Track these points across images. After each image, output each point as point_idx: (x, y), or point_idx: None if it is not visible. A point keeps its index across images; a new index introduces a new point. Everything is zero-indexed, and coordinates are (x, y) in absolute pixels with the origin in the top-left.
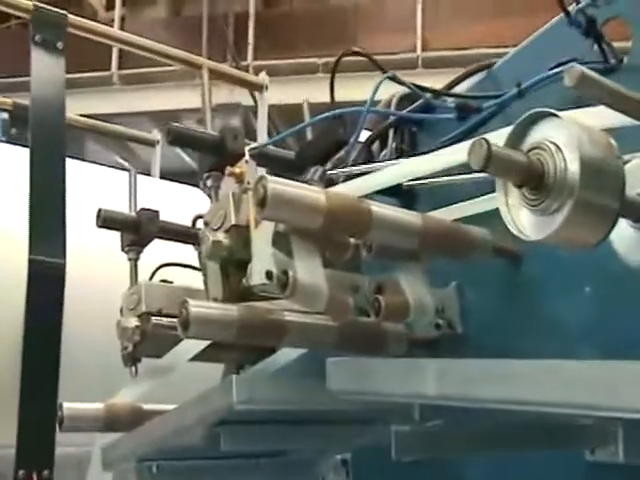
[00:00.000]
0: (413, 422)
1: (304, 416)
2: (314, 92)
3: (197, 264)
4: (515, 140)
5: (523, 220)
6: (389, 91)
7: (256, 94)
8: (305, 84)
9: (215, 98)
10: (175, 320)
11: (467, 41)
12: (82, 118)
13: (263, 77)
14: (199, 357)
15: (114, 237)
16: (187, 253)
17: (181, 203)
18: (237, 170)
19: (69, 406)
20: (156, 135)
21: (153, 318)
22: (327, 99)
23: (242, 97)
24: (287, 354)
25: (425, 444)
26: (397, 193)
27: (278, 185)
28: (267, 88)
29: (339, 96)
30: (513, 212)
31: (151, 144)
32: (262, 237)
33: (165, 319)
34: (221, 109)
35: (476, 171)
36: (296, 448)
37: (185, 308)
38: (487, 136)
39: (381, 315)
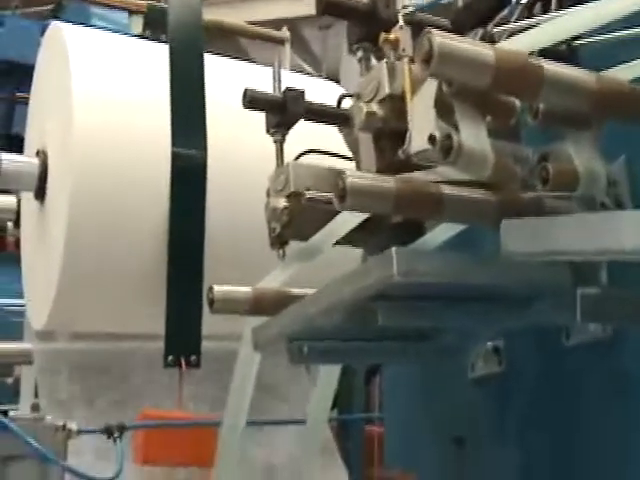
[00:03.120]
0: (599, 286)
1: (462, 293)
2: None
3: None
4: None
5: None
6: None
7: None
8: None
9: None
10: (328, 194)
11: None
12: (213, 19)
13: None
14: (344, 241)
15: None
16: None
17: (317, 96)
18: (392, 37)
19: (219, 289)
20: (285, 33)
21: (306, 192)
22: None
23: None
24: (441, 233)
25: (613, 308)
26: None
27: (445, 39)
28: None
29: None
30: None
31: (281, 42)
32: (423, 101)
33: (318, 193)
34: None
35: None
36: (451, 326)
37: (342, 179)
38: None
39: (548, 185)
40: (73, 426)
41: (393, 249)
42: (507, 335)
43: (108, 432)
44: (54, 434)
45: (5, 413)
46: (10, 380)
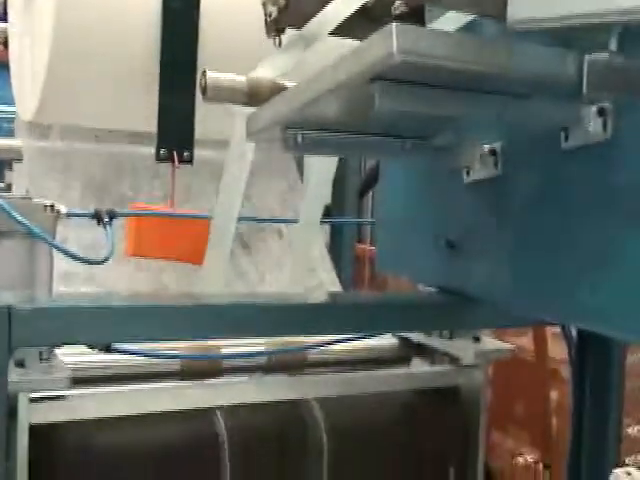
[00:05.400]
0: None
1: (463, 80)
2: None
3: None
4: None
5: None
6: None
7: None
8: None
9: None
10: None
11: None
12: None
13: None
14: (341, 30)
15: None
16: None
17: None
18: None
19: (212, 75)
20: None
21: None
22: None
23: None
24: (443, 25)
25: (620, 78)
26: None
27: None
28: None
29: None
30: None
31: None
32: None
33: None
34: None
35: None
36: (448, 119)
37: None
38: None
39: None
40: (62, 208)
41: (393, 25)
42: (505, 137)
43: (97, 217)
44: (43, 213)
45: None
46: (2, 185)
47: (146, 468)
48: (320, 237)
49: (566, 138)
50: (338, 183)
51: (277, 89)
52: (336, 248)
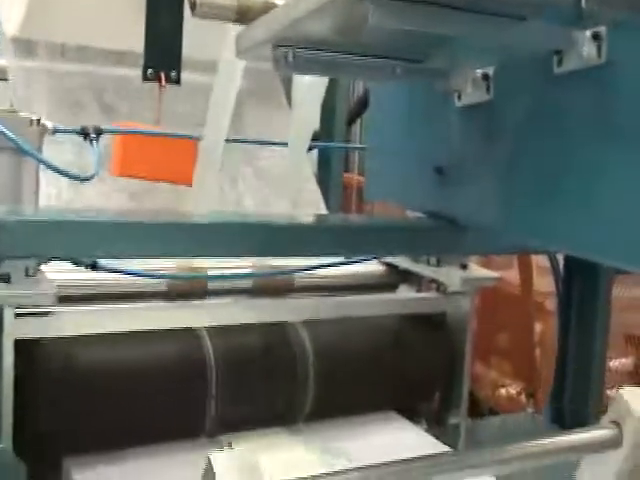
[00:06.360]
0: None
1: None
2: None
3: None
4: None
5: None
6: None
7: None
8: None
9: None
10: None
11: None
12: None
13: None
14: None
15: None
16: None
17: None
18: None
19: None
20: None
21: None
22: None
23: None
24: None
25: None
26: None
27: None
28: None
29: None
30: None
31: None
32: None
33: None
34: None
35: None
36: (443, 35)
37: None
38: None
39: None
40: (48, 123)
41: None
42: (497, 62)
43: (84, 133)
44: (28, 127)
45: None
46: None
47: (131, 386)
48: (308, 161)
49: (559, 63)
50: (326, 110)
51: (267, 7)
52: (324, 177)
